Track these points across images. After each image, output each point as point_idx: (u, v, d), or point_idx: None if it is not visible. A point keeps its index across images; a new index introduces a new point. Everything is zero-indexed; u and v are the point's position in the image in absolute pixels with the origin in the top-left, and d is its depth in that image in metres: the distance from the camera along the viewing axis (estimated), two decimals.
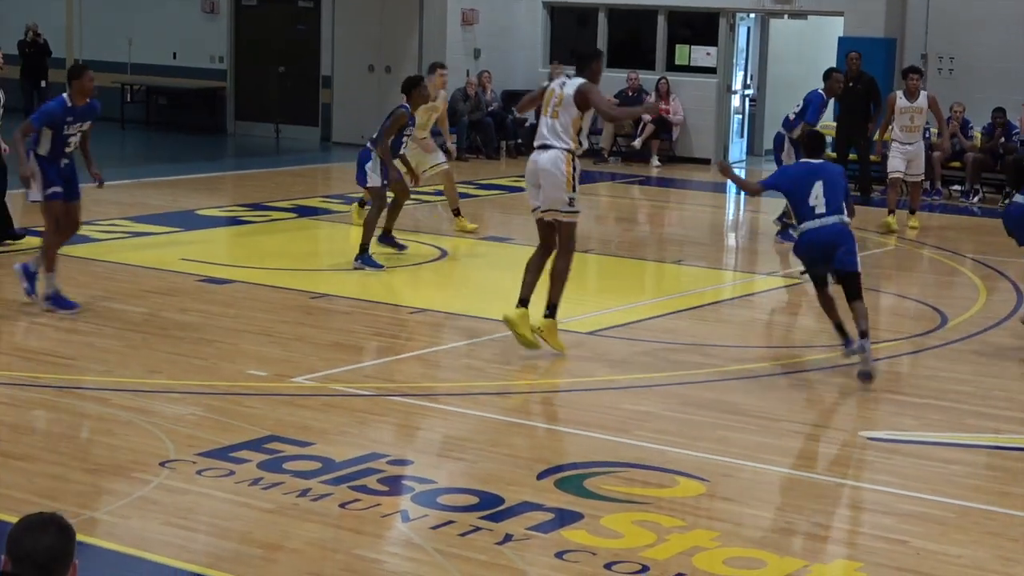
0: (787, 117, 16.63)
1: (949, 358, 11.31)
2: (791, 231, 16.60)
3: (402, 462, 8.17)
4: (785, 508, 7.64)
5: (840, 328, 10.58)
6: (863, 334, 10.12)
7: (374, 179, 13.98)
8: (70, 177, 11.76)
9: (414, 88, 14.48)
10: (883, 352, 11.20)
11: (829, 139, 16.24)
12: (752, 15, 25.35)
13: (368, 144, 14.23)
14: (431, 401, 9.52)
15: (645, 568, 6.65)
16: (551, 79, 11.60)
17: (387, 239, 14.65)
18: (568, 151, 10.61)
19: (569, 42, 26.37)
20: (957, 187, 21.20)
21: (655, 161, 23.91)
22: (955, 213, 19.94)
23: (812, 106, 16.24)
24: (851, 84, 20.03)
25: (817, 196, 10.42)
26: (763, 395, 10.04)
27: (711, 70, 25.12)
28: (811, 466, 8.52)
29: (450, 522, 7.17)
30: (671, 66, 25.29)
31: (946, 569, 6.79)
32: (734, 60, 25.16)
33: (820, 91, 16.45)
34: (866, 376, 10.05)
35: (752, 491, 7.95)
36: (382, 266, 13.86)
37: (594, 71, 11.23)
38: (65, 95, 11.62)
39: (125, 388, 9.48)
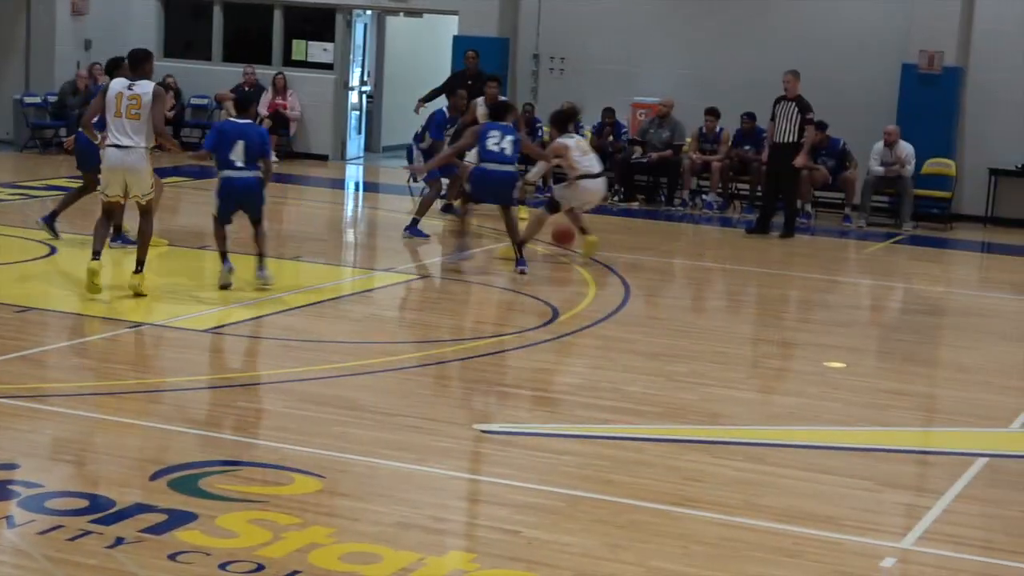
0: (416, 133, 17.97)
1: (560, 351, 11.61)
2: (418, 226, 16.84)
3: (7, 466, 7.86)
4: (401, 502, 7.68)
5: (224, 255, 13.07)
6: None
7: None
8: None
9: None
10: (497, 346, 11.41)
11: None
12: (369, 12, 25.46)
13: None
14: (38, 403, 9.20)
15: (261, 567, 6.59)
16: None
17: None
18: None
19: (185, 35, 25.98)
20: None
21: (273, 156, 23.69)
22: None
23: (435, 124, 17.19)
24: (469, 83, 20.35)
25: (237, 152, 12.89)
26: (380, 390, 10.09)
27: (328, 66, 25.12)
28: (426, 460, 8.59)
29: (59, 527, 6.94)
30: (288, 61, 25.20)
31: (557, 557, 6.95)
32: (351, 56, 25.22)
33: (444, 109, 17.38)
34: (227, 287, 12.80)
35: (368, 486, 7.98)
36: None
37: (147, 71, 12.73)
38: None
39: None
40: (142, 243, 12.64)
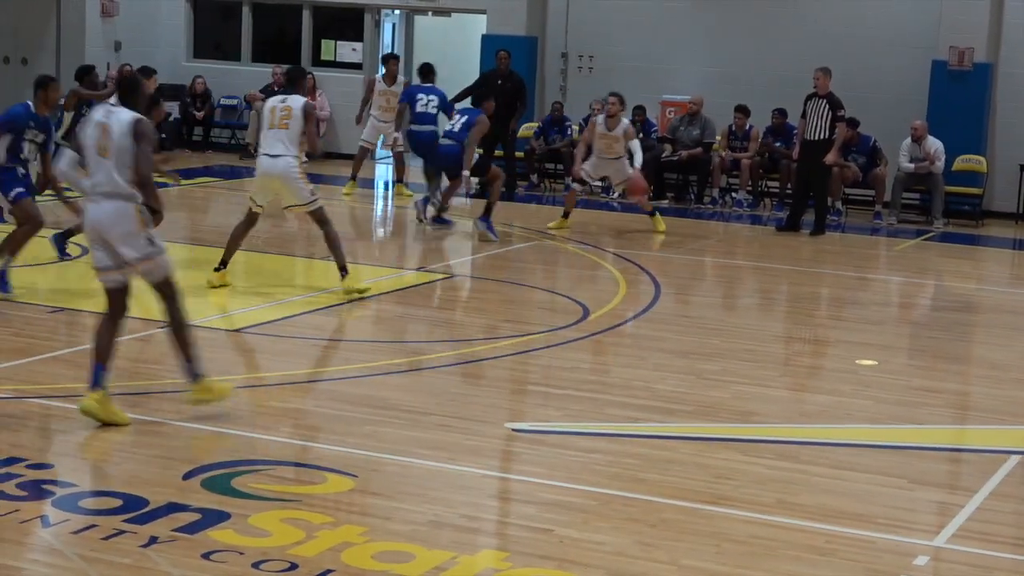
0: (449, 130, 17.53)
1: (591, 350, 11.62)
2: (444, 216, 16.97)
3: (42, 466, 7.92)
4: (433, 501, 7.70)
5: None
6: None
7: None
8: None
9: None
10: (528, 345, 11.43)
11: None
12: (397, 11, 25.50)
13: None
14: (72, 403, 9.24)
15: (294, 566, 6.61)
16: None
17: None
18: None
19: (214, 36, 26.06)
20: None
21: (302, 156, 23.72)
22: (596, 208, 20.49)
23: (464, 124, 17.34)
24: (500, 82, 20.40)
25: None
26: (412, 389, 10.11)
27: (358, 66, 25.16)
28: (458, 459, 8.60)
29: (93, 526, 6.98)
30: (317, 61, 25.25)
31: (589, 556, 6.96)
32: (379, 56, 25.23)
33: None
34: None
35: (400, 485, 7.99)
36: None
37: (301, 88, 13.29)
38: (30, 102, 12.24)
39: None
40: (335, 248, 13.11)
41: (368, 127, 20.26)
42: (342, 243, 13.28)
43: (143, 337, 11.04)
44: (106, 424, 8.68)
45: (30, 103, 12.27)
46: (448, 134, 16.99)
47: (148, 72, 14.24)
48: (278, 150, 13.02)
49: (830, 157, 18.85)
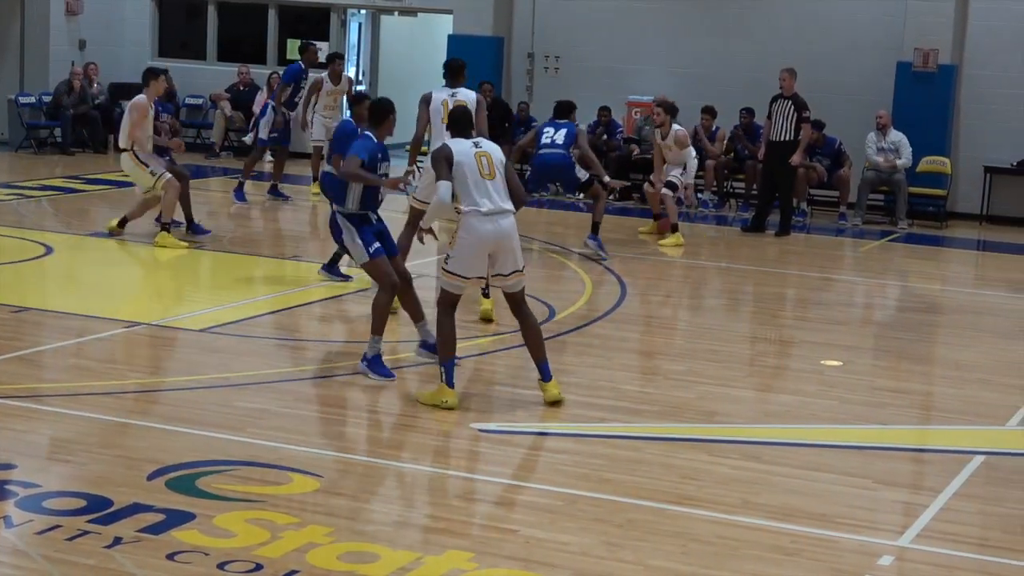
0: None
1: (557, 350, 11.60)
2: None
3: (5, 467, 7.87)
4: (398, 501, 7.70)
5: None
6: None
7: None
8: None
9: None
10: (494, 345, 11.42)
11: None
12: (363, 11, 25.46)
13: None
14: (36, 403, 9.20)
15: (259, 567, 6.59)
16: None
17: None
18: None
19: (180, 35, 25.96)
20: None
21: (268, 156, 23.71)
22: (561, 209, 20.51)
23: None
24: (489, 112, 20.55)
25: None
26: (377, 390, 10.09)
27: (323, 65, 25.08)
28: (423, 459, 8.60)
29: (57, 527, 6.95)
30: (283, 60, 25.16)
31: (555, 556, 6.96)
32: (346, 56, 25.19)
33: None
34: None
35: (366, 486, 7.98)
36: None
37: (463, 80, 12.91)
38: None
39: None
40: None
41: (317, 127, 20.04)
42: None
43: (106, 337, 10.99)
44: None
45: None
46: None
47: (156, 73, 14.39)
48: None
49: (795, 158, 18.91)
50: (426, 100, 12.77)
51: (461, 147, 9.77)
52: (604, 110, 22.00)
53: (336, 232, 10.87)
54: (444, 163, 9.67)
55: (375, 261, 10.48)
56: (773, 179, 19.18)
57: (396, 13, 25.49)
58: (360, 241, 10.51)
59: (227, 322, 11.98)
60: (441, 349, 9.73)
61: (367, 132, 10.62)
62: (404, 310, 11.07)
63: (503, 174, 9.82)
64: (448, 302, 9.78)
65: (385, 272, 10.47)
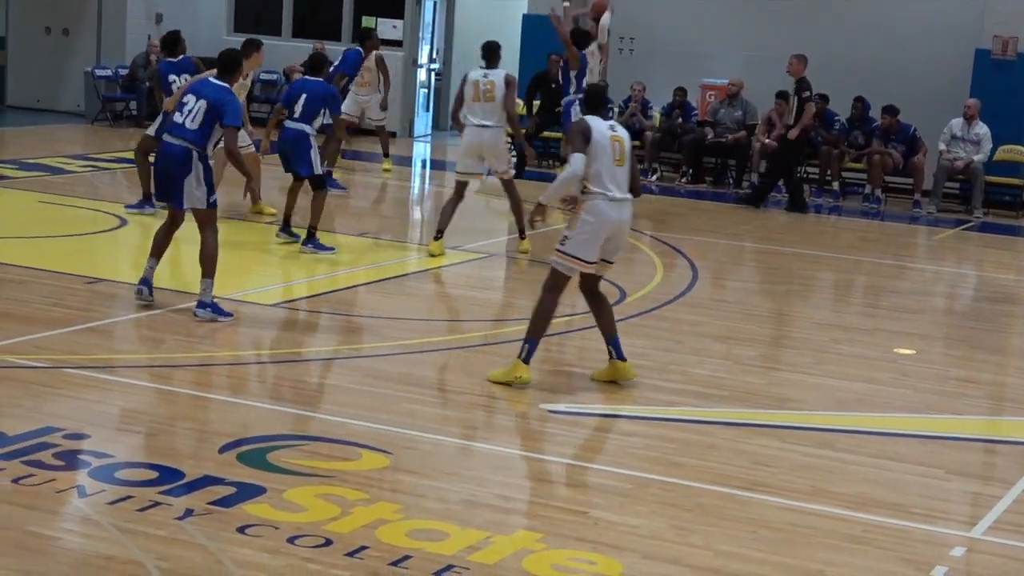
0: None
1: (627, 332, 11.54)
2: None
3: (78, 436, 7.92)
4: (467, 480, 7.68)
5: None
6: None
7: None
8: None
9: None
10: (563, 326, 11.39)
11: None
12: None
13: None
14: (109, 374, 9.26)
15: (329, 542, 6.60)
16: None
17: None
18: None
19: (255, 10, 26.05)
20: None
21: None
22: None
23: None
24: (553, 86, 20.62)
25: (298, 105, 13.73)
26: (447, 368, 10.10)
27: (398, 43, 25.12)
28: (493, 438, 8.59)
29: (128, 497, 6.99)
30: (357, 38, 25.19)
31: (625, 539, 6.93)
32: (420, 34, 25.21)
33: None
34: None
35: (435, 463, 7.98)
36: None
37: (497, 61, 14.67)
38: None
39: None
40: (517, 211, 14.41)
41: (349, 101, 19.85)
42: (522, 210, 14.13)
43: (180, 310, 11.05)
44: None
45: None
46: None
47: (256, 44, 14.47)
48: (486, 121, 14.18)
49: (792, 132, 19.08)
50: (463, 80, 14.37)
51: (599, 126, 9.50)
52: (679, 91, 21.89)
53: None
54: (582, 136, 9.40)
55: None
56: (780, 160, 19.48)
57: None
58: None
59: (298, 297, 12.02)
60: (533, 325, 9.62)
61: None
62: None
63: (631, 162, 9.65)
64: (559, 284, 9.62)
65: None
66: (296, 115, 13.80)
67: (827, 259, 16.22)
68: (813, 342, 11.92)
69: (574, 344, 11.15)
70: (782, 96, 21.05)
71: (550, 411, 9.15)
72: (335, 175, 18.26)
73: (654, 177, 21.16)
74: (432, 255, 14.08)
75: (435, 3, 25.72)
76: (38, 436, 7.80)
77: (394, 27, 25.16)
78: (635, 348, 10.82)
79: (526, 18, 23.27)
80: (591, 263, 9.55)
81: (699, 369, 10.44)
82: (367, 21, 25.28)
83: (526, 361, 9.54)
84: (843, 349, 11.86)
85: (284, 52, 25.09)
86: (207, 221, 10.90)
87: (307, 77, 14.28)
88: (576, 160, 9.35)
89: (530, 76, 21.94)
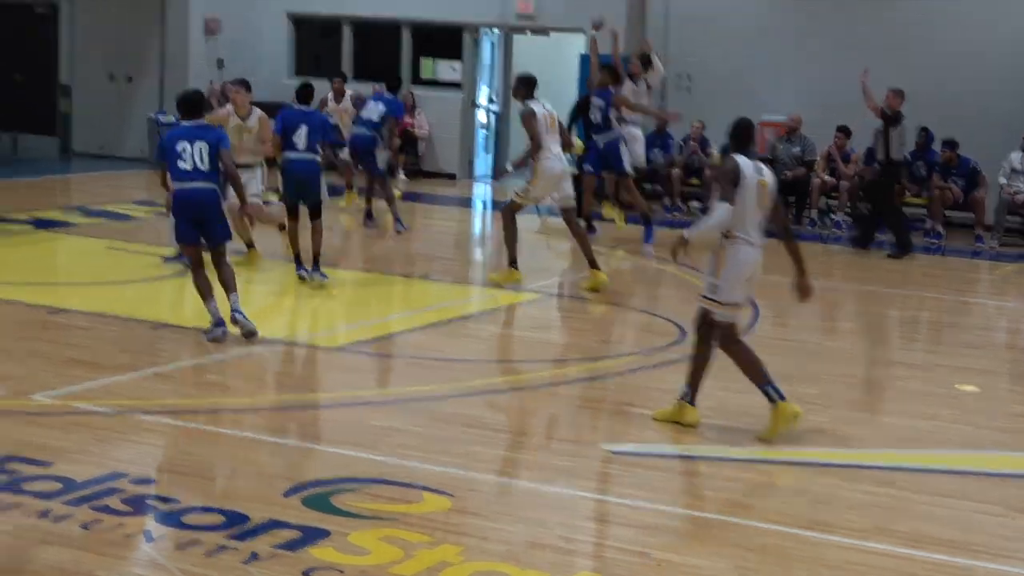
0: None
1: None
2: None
3: (145, 481, 8.03)
4: (530, 522, 7.72)
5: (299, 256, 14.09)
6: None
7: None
8: None
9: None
10: (624, 366, 11.42)
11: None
12: (495, 30, 25.59)
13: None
14: (175, 418, 9.37)
15: None
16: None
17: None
18: None
19: (315, 53, 26.28)
20: (696, 203, 21.70)
21: (402, 175, 23.92)
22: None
23: None
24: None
25: (300, 137, 14.06)
26: (508, 409, 10.15)
27: (457, 84, 25.28)
28: (556, 479, 8.63)
29: (195, 542, 7.07)
30: (416, 79, 25.39)
31: None
32: (479, 75, 25.35)
33: None
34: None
35: (497, 505, 8.02)
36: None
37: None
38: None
39: None
40: (584, 245, 14.72)
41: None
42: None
43: (243, 354, 11.16)
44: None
45: None
46: None
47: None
48: (559, 151, 14.56)
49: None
50: (532, 114, 14.50)
51: (747, 169, 9.28)
52: None
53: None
54: (730, 181, 9.20)
55: None
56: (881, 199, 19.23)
57: (528, 32, 25.58)
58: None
59: (360, 340, 12.11)
60: (752, 374, 9.61)
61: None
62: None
63: (775, 205, 9.50)
64: (732, 334, 9.60)
65: None
66: (300, 147, 14.17)
67: (888, 295, 16.17)
68: (875, 379, 11.89)
69: (635, 384, 11.17)
70: (842, 130, 21.02)
71: (613, 452, 9.17)
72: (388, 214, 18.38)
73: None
74: (508, 282, 14.54)
75: (493, 44, 25.86)
76: (106, 481, 7.91)
77: (453, 69, 25.32)
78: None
79: (583, 58, 23.34)
80: (741, 305, 9.62)
81: (762, 409, 10.42)
82: (425, 63, 25.46)
83: (691, 402, 9.65)
84: (905, 386, 11.83)
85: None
86: (226, 248, 11.85)
87: (305, 109, 14.62)
88: (723, 211, 9.20)
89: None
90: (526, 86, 14.89)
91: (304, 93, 14.86)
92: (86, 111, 25.60)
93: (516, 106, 25.12)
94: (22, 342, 11.20)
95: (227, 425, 9.37)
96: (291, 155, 14.22)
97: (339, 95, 20.81)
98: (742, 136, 9.49)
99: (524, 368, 11.67)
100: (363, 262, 15.67)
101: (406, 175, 23.93)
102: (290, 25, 26.28)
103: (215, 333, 11.40)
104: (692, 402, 9.71)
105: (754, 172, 9.31)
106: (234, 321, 11.48)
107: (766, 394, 9.46)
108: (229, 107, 15.24)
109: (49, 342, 11.26)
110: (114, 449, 8.61)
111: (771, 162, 21.49)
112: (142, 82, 25.43)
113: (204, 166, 11.51)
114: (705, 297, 9.56)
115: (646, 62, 19.54)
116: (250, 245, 15.15)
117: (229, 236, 11.86)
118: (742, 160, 9.30)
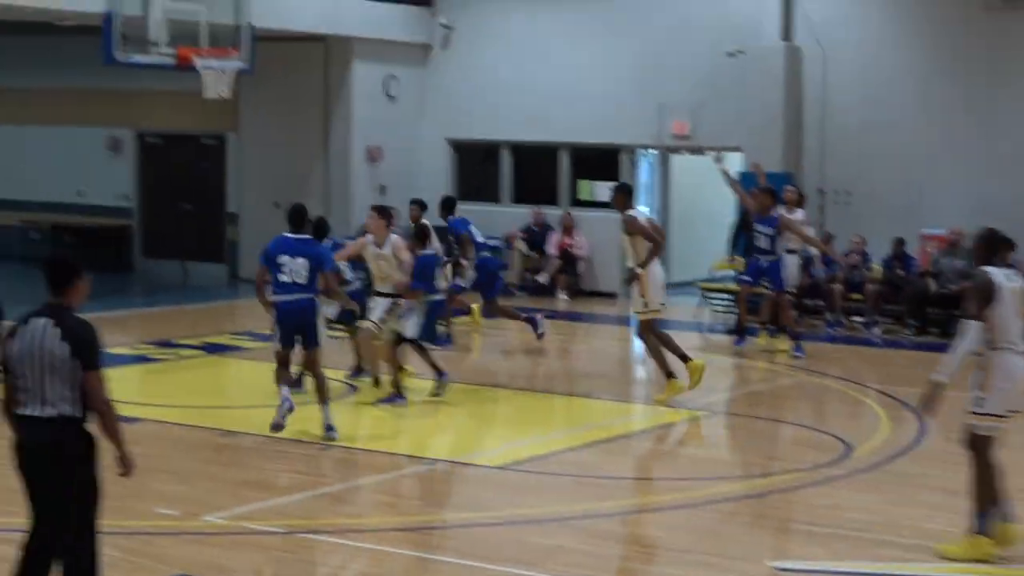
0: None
1: (854, 487, 11.45)
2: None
3: None
4: None
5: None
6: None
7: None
8: None
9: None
10: (789, 482, 11.33)
11: None
12: (652, 151, 25.75)
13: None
14: (342, 538, 9.49)
15: None
16: None
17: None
18: None
19: (475, 178, 26.63)
20: (858, 318, 21.50)
21: (562, 295, 24.08)
22: (857, 344, 20.22)
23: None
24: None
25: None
26: (672, 527, 10.11)
27: None
28: None
29: None
30: (574, 201, 25.60)
31: None
32: (637, 195, 25.47)
33: None
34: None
35: None
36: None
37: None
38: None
39: None
40: (658, 357, 14.66)
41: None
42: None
43: (408, 474, 11.26)
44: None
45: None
46: None
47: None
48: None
49: None
50: (635, 219, 14.75)
51: (1000, 279, 9.05)
52: (898, 241, 21.71)
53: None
54: (983, 296, 9.00)
55: None
56: None
57: (683, 152, 25.70)
58: None
59: (522, 459, 12.16)
60: (979, 497, 9.36)
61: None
62: None
63: None
64: (986, 447, 9.41)
65: None
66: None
67: None
68: None
69: (800, 500, 11.07)
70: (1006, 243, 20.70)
71: (778, 568, 9.09)
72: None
73: (876, 329, 20.93)
74: (672, 395, 14.49)
75: (650, 163, 26.01)
76: None
77: (610, 189, 25.47)
78: (863, 502, 10.72)
79: (742, 176, 23.38)
80: (1005, 417, 9.34)
81: (930, 524, 10.28)
82: (582, 184, 25.68)
83: (987, 534, 9.25)
84: None
85: (505, 218, 25.52)
86: (318, 355, 12.48)
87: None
88: (972, 331, 9.05)
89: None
90: (627, 195, 15.18)
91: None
92: (253, 238, 26.15)
93: (676, 225, 25.23)
94: (194, 464, 11.45)
95: (393, 544, 9.45)
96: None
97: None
98: (990, 247, 9.31)
99: (686, 486, 11.62)
100: (525, 381, 15.77)
101: (567, 295, 24.07)
102: (451, 151, 26.69)
103: (278, 415, 12.20)
104: (1007, 520, 9.33)
105: (1006, 281, 9.09)
106: (327, 430, 12.25)
107: (984, 517, 9.15)
108: (369, 236, 15.03)
109: (221, 464, 11.49)
110: (284, 568, 8.74)
111: (935, 276, 21.31)
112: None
113: (302, 280, 12.15)
114: (972, 412, 9.34)
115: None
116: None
117: (319, 343, 12.45)
118: (993, 272, 9.11)
